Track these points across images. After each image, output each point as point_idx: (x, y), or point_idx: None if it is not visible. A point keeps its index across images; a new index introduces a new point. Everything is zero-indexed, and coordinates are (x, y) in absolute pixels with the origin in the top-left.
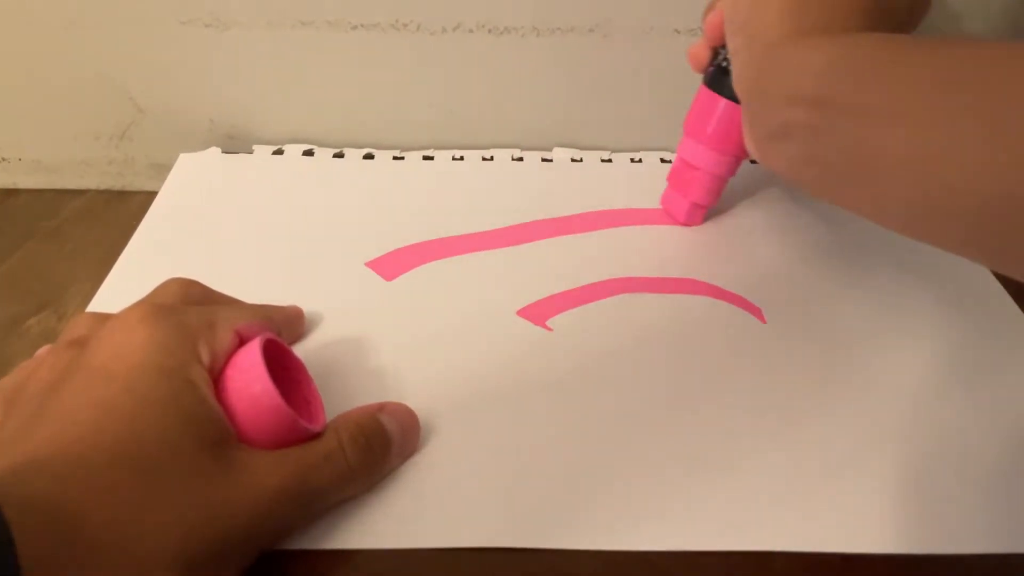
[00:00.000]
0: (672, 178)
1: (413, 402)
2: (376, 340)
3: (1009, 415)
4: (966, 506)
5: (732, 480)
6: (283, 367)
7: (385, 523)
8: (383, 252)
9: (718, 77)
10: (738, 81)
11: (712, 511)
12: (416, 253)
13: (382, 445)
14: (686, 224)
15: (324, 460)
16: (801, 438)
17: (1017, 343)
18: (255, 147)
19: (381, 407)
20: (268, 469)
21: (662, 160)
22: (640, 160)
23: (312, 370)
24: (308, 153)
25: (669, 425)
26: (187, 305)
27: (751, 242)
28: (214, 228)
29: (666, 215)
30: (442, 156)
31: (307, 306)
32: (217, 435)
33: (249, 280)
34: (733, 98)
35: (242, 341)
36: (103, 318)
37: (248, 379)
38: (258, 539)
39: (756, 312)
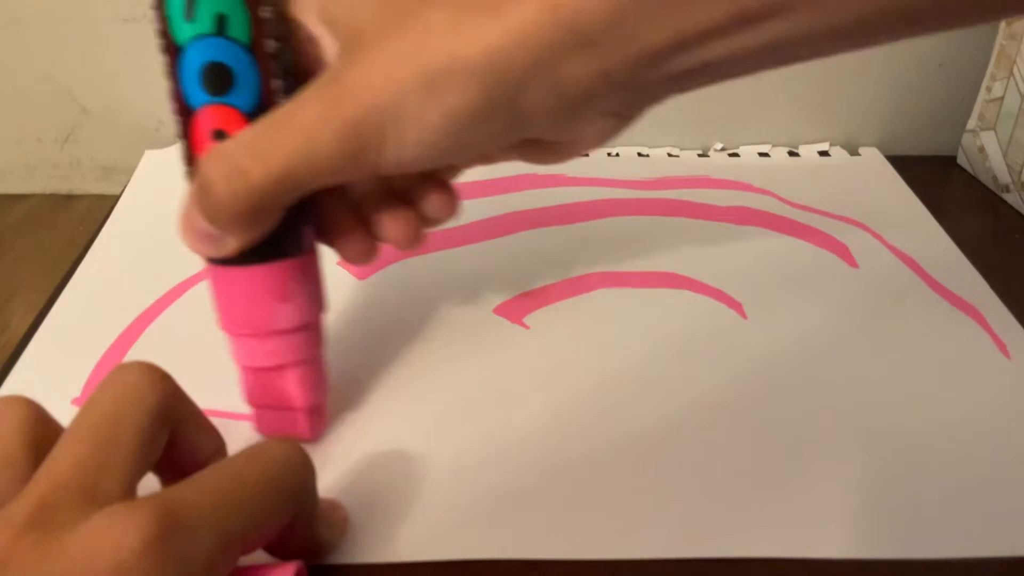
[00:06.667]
0: (252, 397)
1: (385, 404)
2: (347, 340)
3: (987, 419)
4: (945, 511)
5: (708, 482)
6: None
7: (357, 536)
8: None
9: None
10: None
11: (686, 515)
12: (388, 250)
13: None
14: (314, 437)
15: None
16: (780, 437)
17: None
18: None
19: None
20: None
21: (639, 154)
22: (617, 155)
23: None
24: None
25: (647, 423)
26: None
27: (731, 236)
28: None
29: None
30: None
31: None
32: None
33: None
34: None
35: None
36: (77, 492)
37: None
38: None
39: (737, 307)
